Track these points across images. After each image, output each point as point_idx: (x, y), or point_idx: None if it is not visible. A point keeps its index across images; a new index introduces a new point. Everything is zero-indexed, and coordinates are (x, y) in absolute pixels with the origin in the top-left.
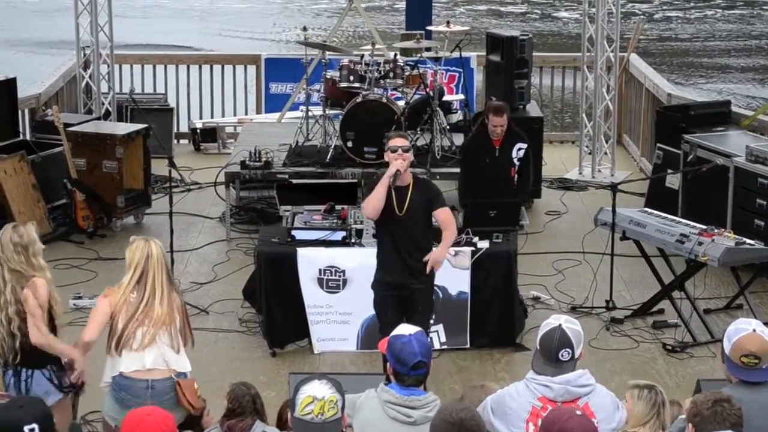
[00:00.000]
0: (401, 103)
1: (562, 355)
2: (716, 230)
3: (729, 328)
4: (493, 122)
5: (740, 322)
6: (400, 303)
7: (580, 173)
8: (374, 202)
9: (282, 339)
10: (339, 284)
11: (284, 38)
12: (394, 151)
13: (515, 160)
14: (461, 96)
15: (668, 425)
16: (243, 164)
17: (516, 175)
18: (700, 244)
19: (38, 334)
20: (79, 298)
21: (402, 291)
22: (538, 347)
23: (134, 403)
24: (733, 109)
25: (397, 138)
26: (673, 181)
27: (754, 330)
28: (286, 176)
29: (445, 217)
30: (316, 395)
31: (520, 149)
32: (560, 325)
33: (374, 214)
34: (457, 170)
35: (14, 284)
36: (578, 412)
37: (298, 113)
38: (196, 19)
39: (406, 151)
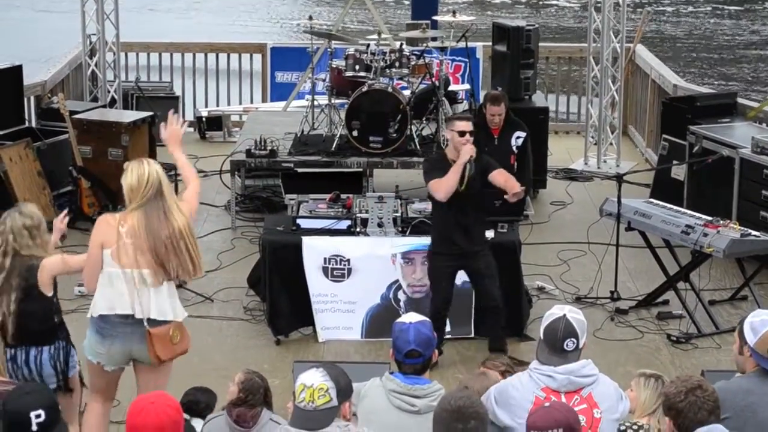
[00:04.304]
0: (407, 92)
1: (567, 345)
2: (721, 221)
3: (752, 319)
4: (491, 111)
5: (765, 314)
6: (455, 273)
7: (586, 164)
8: (448, 187)
9: (287, 327)
10: (344, 273)
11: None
12: (462, 135)
13: (514, 148)
14: (467, 86)
15: None
16: (248, 153)
17: (515, 163)
18: (706, 235)
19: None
20: (83, 285)
21: (466, 260)
22: (543, 337)
23: (113, 334)
24: (739, 100)
25: (465, 121)
26: (679, 172)
27: None
28: (292, 165)
29: (501, 176)
30: (306, 383)
31: (518, 137)
32: (565, 315)
33: (447, 198)
34: None
35: (20, 267)
36: (546, 404)
37: (303, 102)
38: (187, 12)
39: (471, 134)
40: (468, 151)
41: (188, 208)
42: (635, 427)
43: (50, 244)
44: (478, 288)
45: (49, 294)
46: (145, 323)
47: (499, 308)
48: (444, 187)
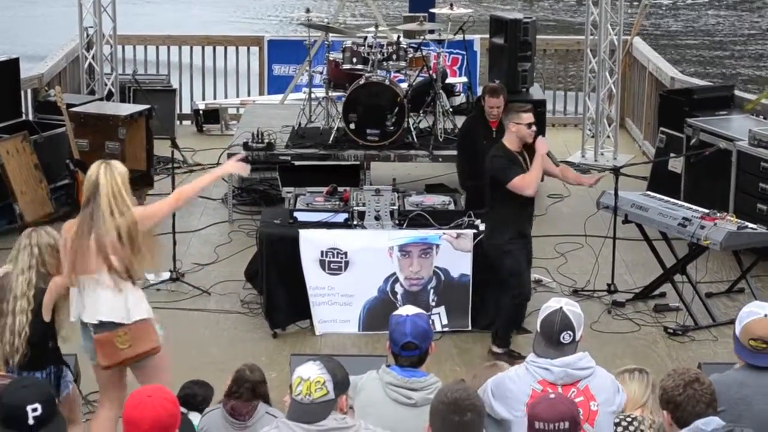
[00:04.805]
0: (404, 85)
1: (563, 338)
2: (718, 214)
3: (743, 310)
4: (490, 103)
5: (754, 305)
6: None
7: (583, 156)
8: (537, 181)
9: (284, 320)
10: (341, 266)
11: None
12: (530, 127)
13: None
14: (464, 78)
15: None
16: (245, 145)
17: None
18: (702, 227)
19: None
20: None
21: (528, 250)
22: (539, 330)
23: (86, 333)
24: (736, 93)
25: (529, 113)
26: (676, 164)
27: (766, 315)
28: (289, 158)
29: (549, 165)
30: (303, 376)
31: None
32: (561, 308)
33: (535, 192)
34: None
35: (37, 282)
36: (551, 395)
37: (300, 95)
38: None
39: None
40: (545, 142)
41: (146, 212)
42: (629, 419)
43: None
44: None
45: (47, 319)
46: (91, 329)
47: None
48: (533, 182)
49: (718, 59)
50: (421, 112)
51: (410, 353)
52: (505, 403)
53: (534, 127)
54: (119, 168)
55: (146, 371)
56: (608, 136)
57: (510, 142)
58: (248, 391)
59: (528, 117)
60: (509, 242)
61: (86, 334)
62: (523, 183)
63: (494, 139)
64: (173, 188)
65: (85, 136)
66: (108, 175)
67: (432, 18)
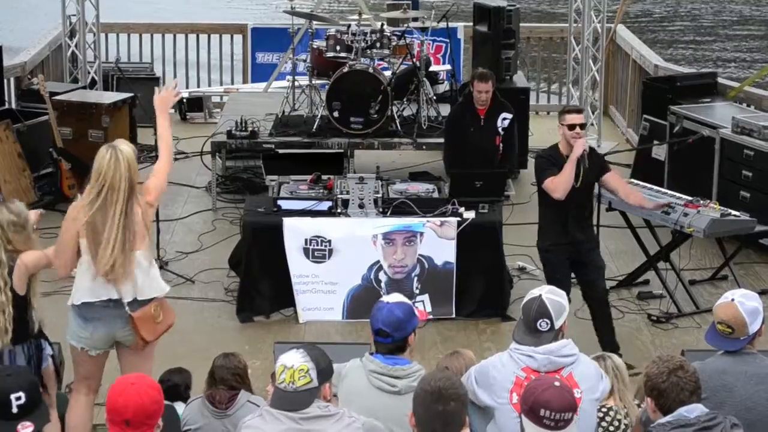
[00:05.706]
0: (388, 73)
1: (540, 325)
2: (702, 201)
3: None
4: (478, 88)
5: (730, 292)
6: (571, 264)
7: None
8: (566, 185)
9: (267, 308)
10: (325, 254)
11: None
12: (572, 129)
13: (500, 129)
14: (448, 66)
15: (629, 386)
16: (229, 134)
17: (501, 144)
18: (686, 215)
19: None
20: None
21: (579, 253)
22: (521, 317)
23: (96, 317)
24: (720, 80)
25: (575, 114)
26: (660, 152)
27: (732, 300)
28: (273, 146)
29: (616, 180)
30: (286, 364)
31: (504, 119)
32: (540, 295)
33: (565, 196)
34: (443, 140)
35: (7, 260)
36: (556, 383)
37: (284, 83)
38: None
39: (582, 127)
40: (581, 145)
41: (153, 194)
42: (604, 409)
43: (34, 242)
44: (587, 279)
45: (22, 294)
46: (126, 307)
47: (608, 303)
48: (561, 186)
49: (703, 44)
50: (404, 100)
51: (383, 340)
52: (489, 390)
53: (578, 129)
54: (127, 150)
55: (141, 355)
56: (592, 124)
57: (561, 143)
58: (210, 376)
59: (571, 118)
60: (548, 248)
61: (90, 314)
62: (550, 186)
63: (482, 127)
64: None
65: (69, 124)
66: (123, 160)
67: (416, 6)
